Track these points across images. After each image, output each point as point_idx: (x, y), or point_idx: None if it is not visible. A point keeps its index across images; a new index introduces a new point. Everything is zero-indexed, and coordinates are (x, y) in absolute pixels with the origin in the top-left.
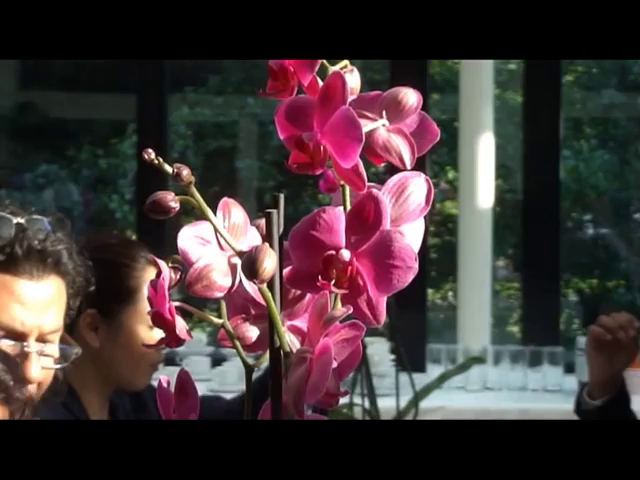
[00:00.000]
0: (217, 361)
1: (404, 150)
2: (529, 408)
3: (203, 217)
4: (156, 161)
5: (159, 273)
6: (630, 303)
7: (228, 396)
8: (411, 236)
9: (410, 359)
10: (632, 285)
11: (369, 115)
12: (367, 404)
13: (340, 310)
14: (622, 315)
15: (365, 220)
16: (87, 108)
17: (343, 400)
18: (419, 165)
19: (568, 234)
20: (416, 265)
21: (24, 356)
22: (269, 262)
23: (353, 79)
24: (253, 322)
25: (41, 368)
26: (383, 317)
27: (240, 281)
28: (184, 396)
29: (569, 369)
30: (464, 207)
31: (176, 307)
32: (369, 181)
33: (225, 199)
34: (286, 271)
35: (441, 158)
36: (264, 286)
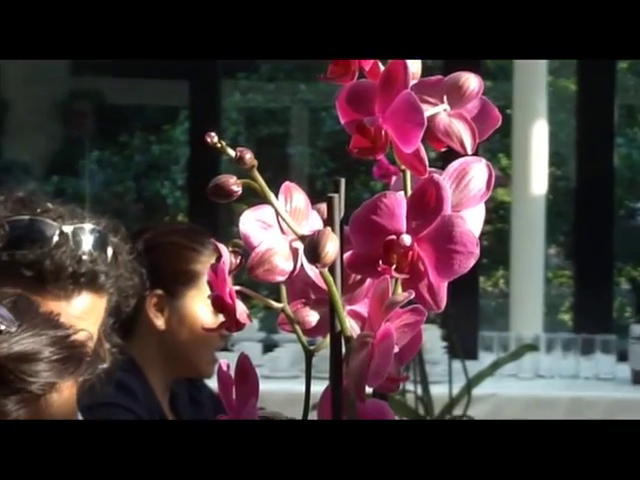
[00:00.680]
0: (268, 347)
1: (465, 135)
2: (581, 396)
3: (264, 201)
4: (219, 145)
5: (219, 257)
6: None
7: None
8: (472, 221)
9: (462, 346)
10: None
11: (430, 100)
12: (420, 391)
13: (402, 295)
14: None
15: (426, 205)
16: (140, 94)
17: None
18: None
19: (621, 222)
20: (477, 250)
21: None
22: (331, 246)
23: (414, 64)
24: (313, 307)
25: None
26: (444, 302)
27: (301, 265)
28: (244, 380)
29: (622, 357)
30: (517, 194)
31: (236, 291)
32: None
33: (287, 183)
34: (347, 256)
35: (493, 145)
36: (326, 270)
